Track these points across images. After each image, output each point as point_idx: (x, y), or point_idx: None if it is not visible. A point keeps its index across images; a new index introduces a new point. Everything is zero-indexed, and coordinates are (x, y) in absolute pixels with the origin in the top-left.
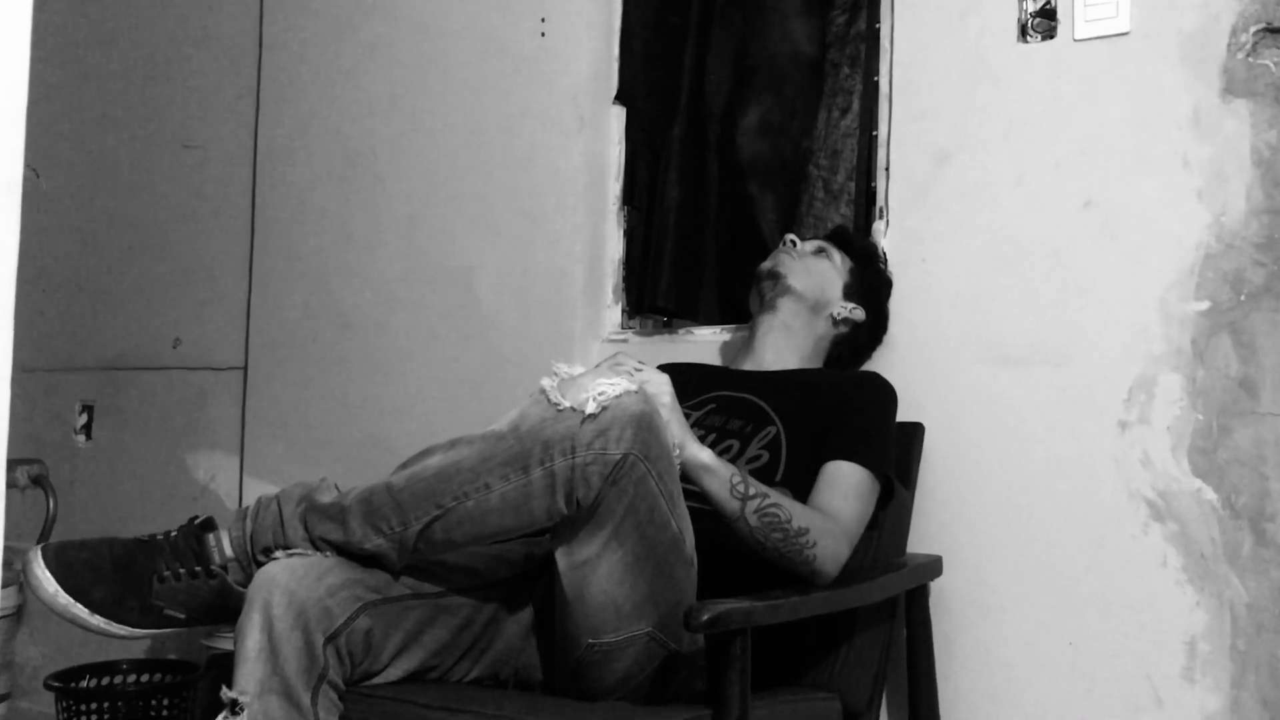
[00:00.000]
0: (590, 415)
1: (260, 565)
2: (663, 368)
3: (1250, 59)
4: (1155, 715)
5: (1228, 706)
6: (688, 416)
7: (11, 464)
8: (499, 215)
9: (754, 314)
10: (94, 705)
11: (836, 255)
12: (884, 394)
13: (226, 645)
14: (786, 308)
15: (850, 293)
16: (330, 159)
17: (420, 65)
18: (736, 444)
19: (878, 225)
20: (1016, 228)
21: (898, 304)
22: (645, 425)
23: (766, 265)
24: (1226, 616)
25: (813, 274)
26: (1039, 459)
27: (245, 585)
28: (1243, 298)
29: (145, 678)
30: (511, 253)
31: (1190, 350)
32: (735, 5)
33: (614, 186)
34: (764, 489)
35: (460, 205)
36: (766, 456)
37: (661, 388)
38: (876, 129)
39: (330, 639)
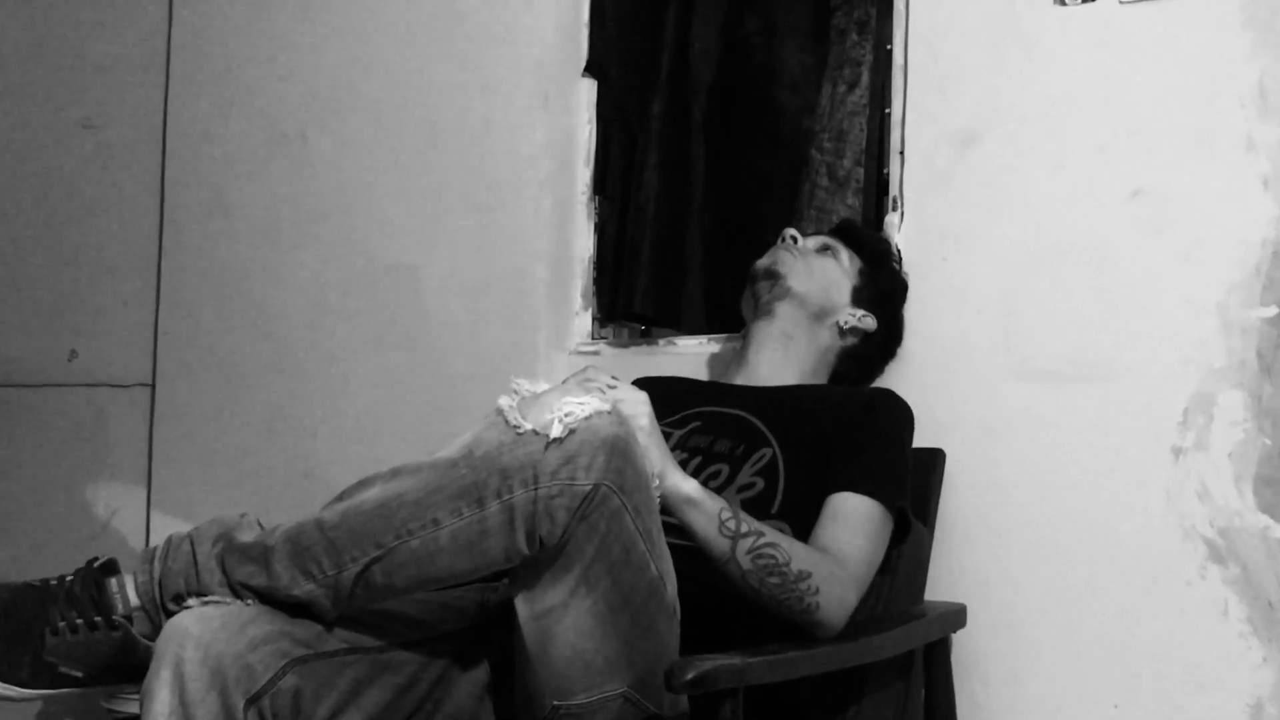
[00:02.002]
0: (555, 439)
1: (170, 615)
2: (639, 383)
3: None
4: None
5: None
6: (667, 436)
7: None
8: (449, 207)
9: (747, 320)
10: None
11: (843, 254)
12: (899, 415)
13: (131, 708)
14: (785, 313)
15: (859, 298)
16: (253, 142)
17: (359, 32)
18: (725, 469)
19: (891, 218)
20: (1053, 221)
21: (914, 311)
22: (619, 451)
23: (762, 263)
24: None
25: (816, 275)
26: (1079, 491)
27: (153, 638)
28: None
29: None
30: (464, 251)
31: (1256, 363)
32: None
33: (583, 172)
34: (758, 526)
35: (404, 195)
36: (761, 484)
37: (638, 408)
38: (889, 105)
39: (252, 701)
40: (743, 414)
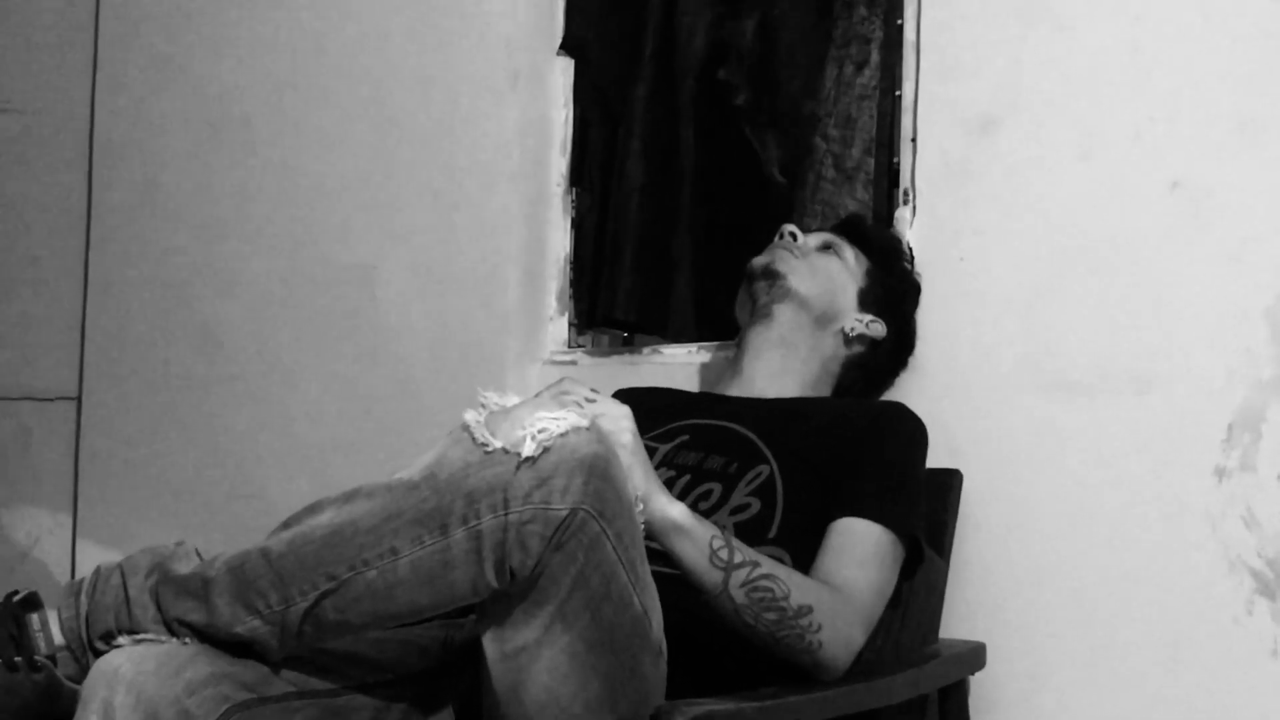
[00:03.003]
0: (528, 459)
1: (99, 655)
2: (621, 396)
3: None
4: None
5: None
6: (651, 452)
7: None
8: (409, 200)
9: (742, 325)
10: None
11: (849, 252)
12: (910, 431)
13: None
14: (785, 317)
15: (867, 301)
16: (190, 127)
17: (308, 5)
18: (718, 488)
19: (902, 213)
20: (1082, 216)
21: (928, 315)
22: (599, 472)
23: (759, 261)
24: None
25: (819, 275)
26: (1111, 517)
27: (79, 681)
28: None
29: None
30: (425, 249)
31: None
32: None
33: (559, 162)
34: (753, 555)
35: (359, 187)
36: (756, 506)
37: (620, 423)
38: (901, 88)
39: None
40: (736, 428)
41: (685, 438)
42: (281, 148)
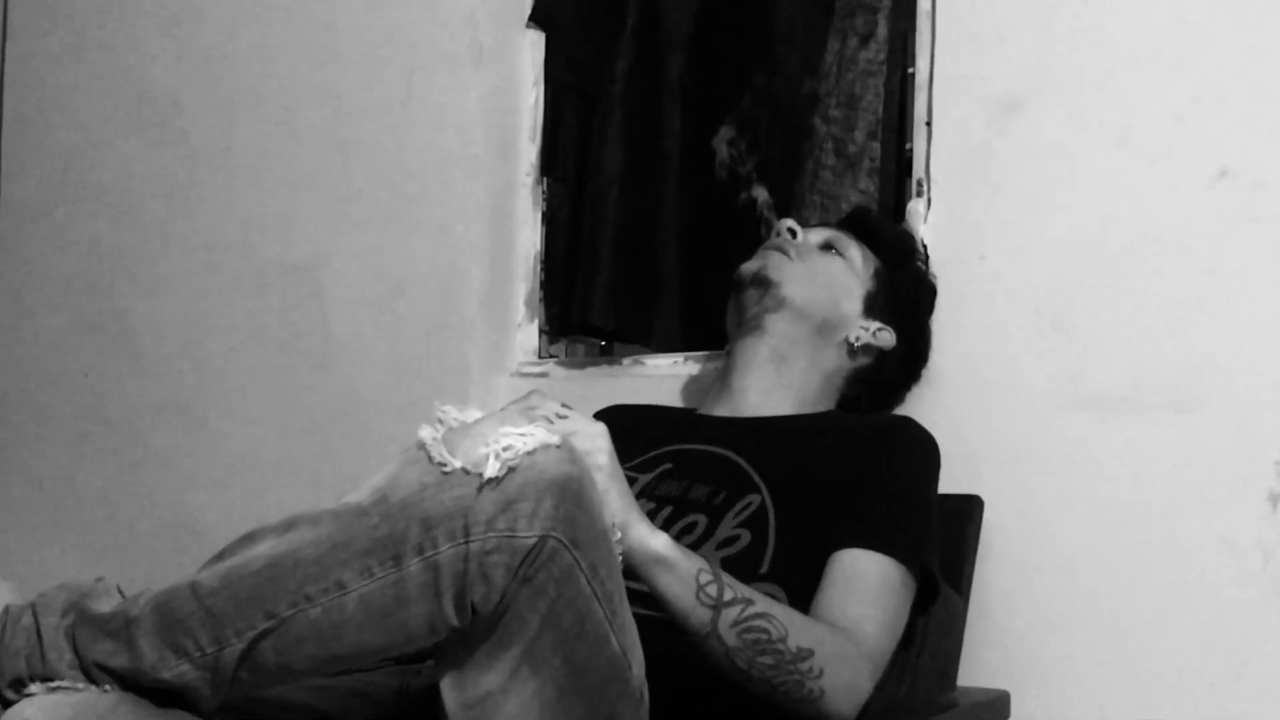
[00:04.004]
0: (491, 480)
1: (8, 705)
2: (599, 415)
3: None
4: None
5: None
6: (631, 482)
7: None
8: (359, 192)
9: (732, 336)
10: None
11: (854, 251)
12: (921, 450)
13: None
14: (780, 329)
15: (874, 306)
16: (110, 109)
17: None
18: (703, 520)
19: (915, 205)
20: (1118, 209)
21: (944, 322)
22: (571, 495)
23: (749, 267)
24: None
25: (819, 279)
26: (1152, 549)
27: None
28: None
29: None
30: (376, 246)
31: None
32: None
33: (528, 149)
34: (745, 591)
35: (303, 177)
36: (746, 538)
37: (595, 442)
38: (913, 64)
39: None
40: (724, 452)
41: (669, 465)
42: (213, 130)
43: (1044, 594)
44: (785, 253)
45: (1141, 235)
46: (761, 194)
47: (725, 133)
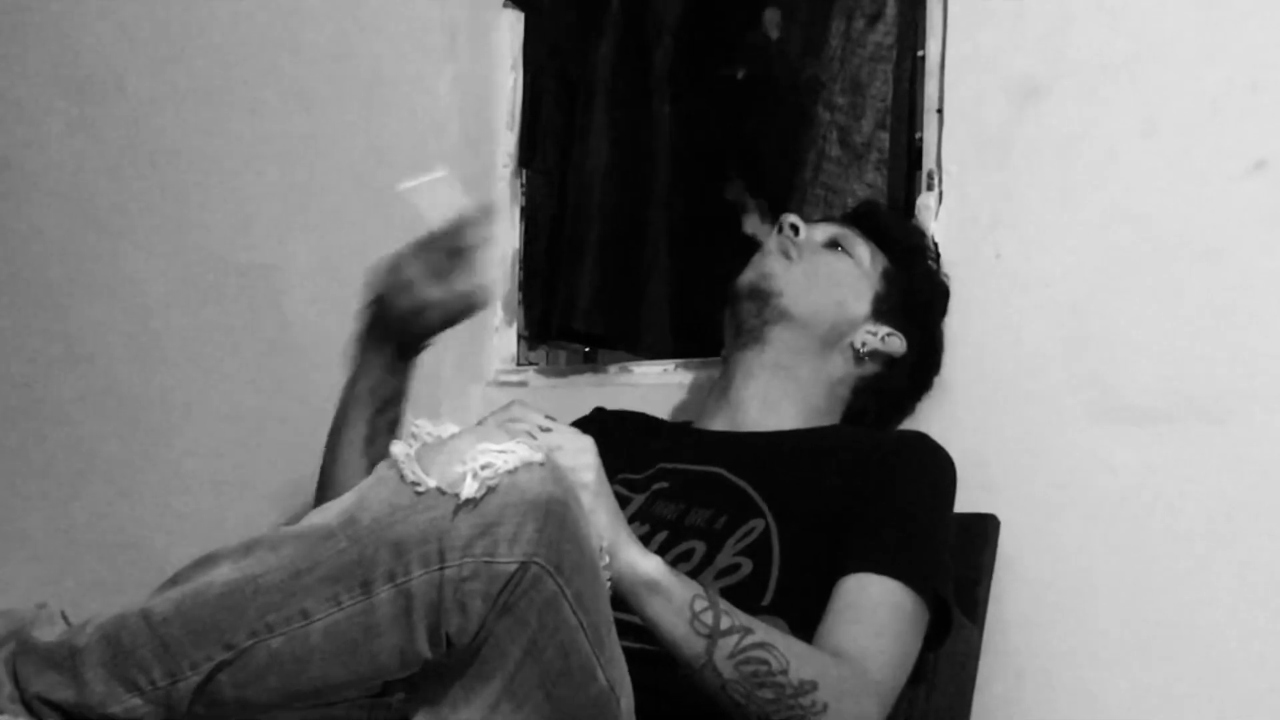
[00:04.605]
0: (468, 501)
1: None
2: (582, 424)
3: None
4: None
5: None
6: (623, 502)
7: None
8: (323, 185)
9: (729, 347)
10: None
11: (862, 249)
12: (936, 469)
13: None
14: (782, 339)
15: (882, 309)
16: (49, 94)
17: None
18: (701, 547)
19: (926, 200)
20: (1147, 204)
21: (957, 326)
22: (556, 518)
23: (746, 279)
24: None
25: (823, 281)
26: (1186, 574)
27: None
28: None
29: None
30: (341, 245)
31: None
32: None
33: (505, 138)
34: (745, 620)
35: (262, 170)
36: (748, 566)
37: (581, 458)
38: (923, 47)
39: None
40: (725, 473)
41: (663, 485)
42: (165, 120)
43: (1066, 623)
44: (785, 252)
45: (1171, 232)
46: (737, 188)
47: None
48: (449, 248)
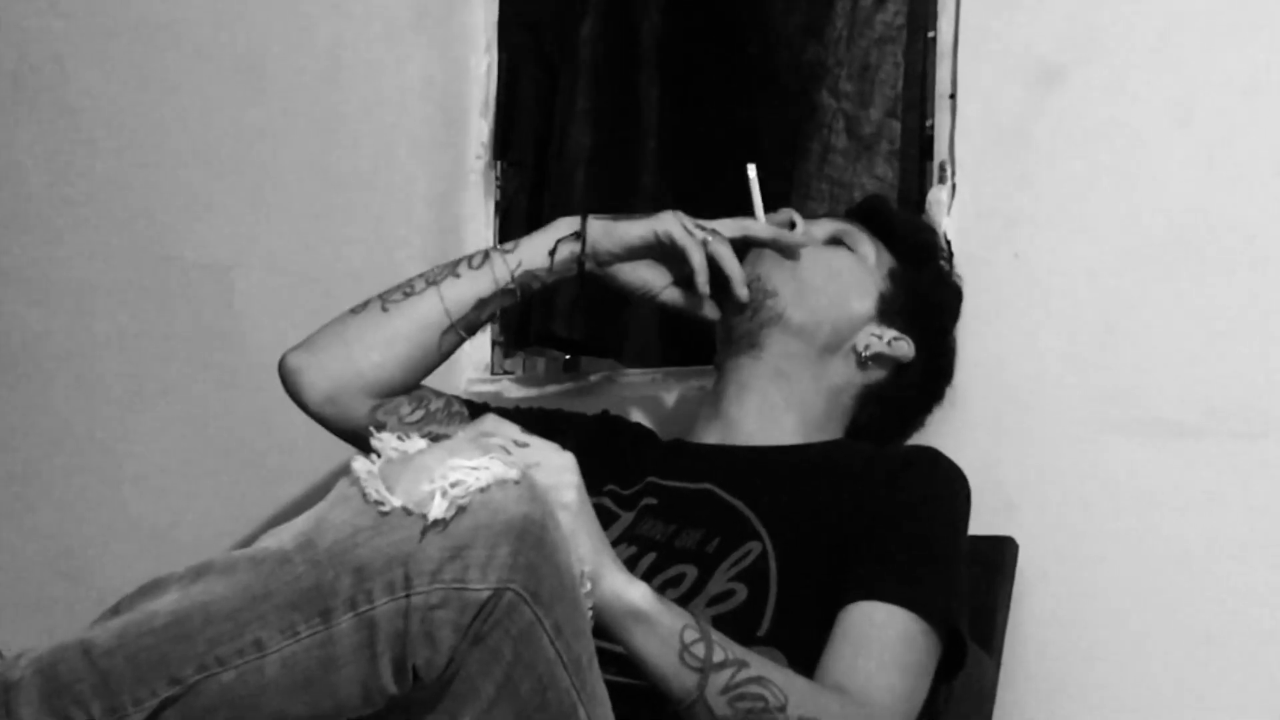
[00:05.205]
0: (438, 522)
1: None
2: (558, 436)
3: None
4: None
5: None
6: (608, 520)
7: None
8: (279, 178)
9: (721, 354)
10: None
11: (867, 246)
12: (949, 489)
13: None
14: (779, 345)
15: (889, 311)
16: None
17: None
18: (692, 572)
19: (937, 193)
20: (1177, 198)
21: (971, 331)
22: (533, 540)
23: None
24: None
25: (823, 279)
26: (1222, 602)
27: None
28: None
29: None
30: (299, 242)
31: None
32: None
33: (479, 127)
34: (739, 652)
35: (211, 160)
36: (742, 593)
37: (561, 476)
38: (935, 28)
39: None
40: (718, 491)
41: (651, 502)
42: (108, 106)
43: (1090, 656)
44: (780, 257)
45: (1204, 230)
46: (752, 171)
47: None
48: (760, 244)
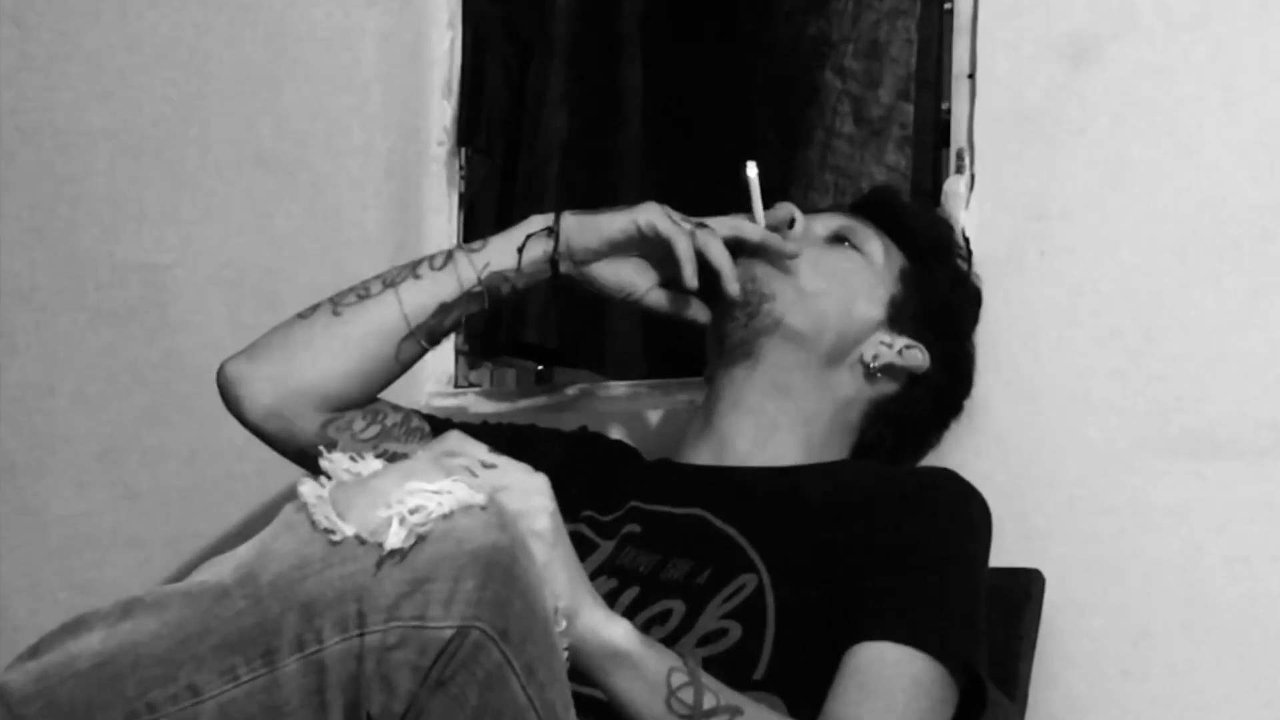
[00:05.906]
0: (395, 552)
1: None
2: (528, 455)
3: None
4: None
5: None
6: (586, 550)
7: None
8: (220, 166)
9: (713, 364)
10: None
11: (874, 244)
12: (966, 516)
13: None
14: (776, 355)
15: (900, 316)
16: None
17: None
18: (680, 607)
19: (954, 185)
20: (1222, 191)
21: (989, 339)
22: (501, 573)
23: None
24: None
25: (824, 286)
26: (1265, 637)
27: None
28: None
29: None
30: (241, 240)
31: None
32: None
33: (441, 110)
34: (732, 697)
35: (141, 148)
36: (736, 632)
37: (533, 500)
38: (951, 0)
39: None
40: (708, 516)
41: (634, 529)
42: (29, 90)
43: (1124, 700)
44: (781, 252)
45: (1252, 226)
46: (751, 171)
47: None
48: (750, 247)
